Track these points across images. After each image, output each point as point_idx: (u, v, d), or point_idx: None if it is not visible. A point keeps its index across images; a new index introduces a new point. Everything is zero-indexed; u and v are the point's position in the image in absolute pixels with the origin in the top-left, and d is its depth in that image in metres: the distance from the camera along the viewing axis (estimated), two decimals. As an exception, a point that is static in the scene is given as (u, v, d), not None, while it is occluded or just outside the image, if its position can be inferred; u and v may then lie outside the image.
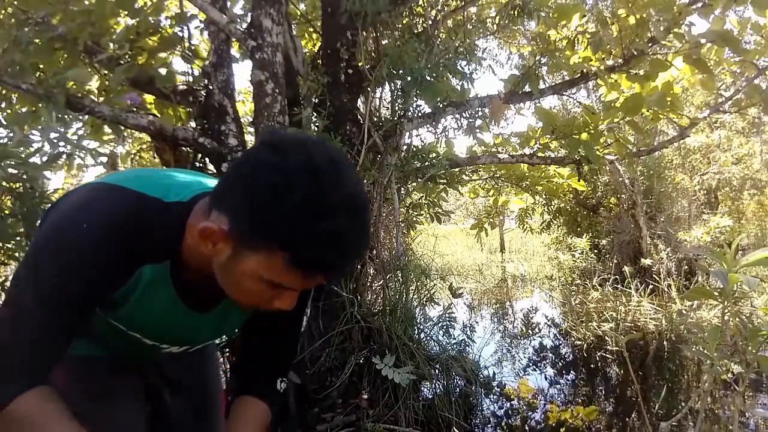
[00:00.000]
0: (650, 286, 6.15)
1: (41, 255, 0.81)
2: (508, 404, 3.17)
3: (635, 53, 3.66)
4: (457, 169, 4.29)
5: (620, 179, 6.58)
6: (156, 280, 0.87)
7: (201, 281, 0.87)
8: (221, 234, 0.75)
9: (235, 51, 3.47)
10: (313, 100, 3.06)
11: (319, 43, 3.80)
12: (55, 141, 2.33)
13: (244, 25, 3.02)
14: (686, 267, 6.45)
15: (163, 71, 3.03)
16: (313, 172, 0.69)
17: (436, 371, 3.06)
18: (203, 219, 0.79)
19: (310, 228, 0.69)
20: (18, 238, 2.39)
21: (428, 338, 3.38)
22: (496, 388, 3.38)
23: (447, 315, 3.41)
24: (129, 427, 1.06)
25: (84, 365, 1.02)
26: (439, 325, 3.43)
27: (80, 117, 2.68)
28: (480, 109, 3.66)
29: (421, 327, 3.42)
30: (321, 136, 0.77)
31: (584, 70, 3.89)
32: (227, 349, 2.53)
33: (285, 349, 1.12)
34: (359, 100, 3.35)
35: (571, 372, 3.92)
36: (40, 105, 2.40)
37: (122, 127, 2.89)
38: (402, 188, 3.58)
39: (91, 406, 0.93)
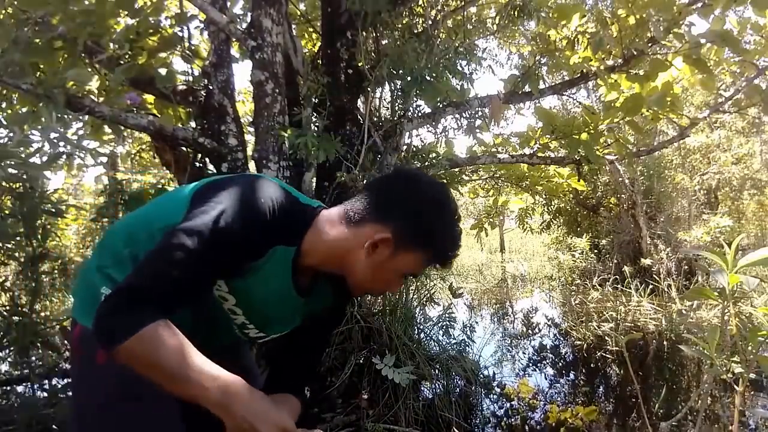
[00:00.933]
0: (650, 286, 6.15)
1: (223, 204, 0.97)
2: (508, 404, 3.17)
3: (635, 53, 3.66)
4: (457, 169, 4.29)
5: (620, 179, 6.58)
6: (283, 259, 1.05)
7: (308, 270, 1.09)
8: (388, 241, 1.02)
9: (235, 51, 3.47)
10: (313, 100, 3.06)
11: (319, 43, 3.80)
12: (55, 141, 2.33)
13: (244, 25, 3.02)
14: (686, 267, 6.46)
15: (163, 71, 3.03)
16: (447, 195, 1.07)
17: (436, 371, 3.06)
18: (331, 225, 1.07)
19: (453, 234, 1.06)
20: (18, 239, 2.39)
21: (428, 338, 3.38)
22: (496, 388, 3.38)
23: (447, 315, 3.41)
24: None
25: None
26: (439, 325, 3.43)
27: (80, 117, 2.68)
28: (480, 109, 3.66)
29: (421, 327, 3.42)
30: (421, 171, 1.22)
31: (584, 70, 3.89)
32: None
33: (315, 357, 1.33)
34: (359, 100, 3.35)
35: (571, 372, 3.93)
36: (40, 105, 2.39)
37: (122, 127, 2.89)
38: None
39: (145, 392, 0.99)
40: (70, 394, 1.15)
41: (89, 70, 2.84)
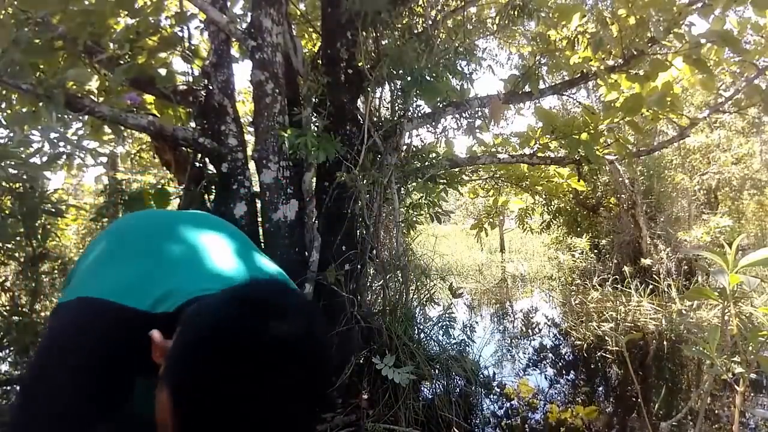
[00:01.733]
0: (650, 286, 6.15)
1: (39, 386, 0.79)
2: (508, 404, 3.17)
3: (635, 53, 3.66)
4: (456, 169, 4.29)
5: (620, 179, 6.58)
6: (148, 389, 0.75)
7: None
8: (162, 350, 0.70)
9: (235, 51, 3.47)
10: (313, 100, 3.06)
11: (319, 43, 3.80)
12: (55, 141, 2.33)
13: (244, 25, 3.02)
14: (686, 267, 6.46)
15: (162, 71, 3.03)
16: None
17: (436, 371, 3.06)
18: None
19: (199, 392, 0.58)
20: (18, 238, 2.39)
21: (428, 338, 3.38)
22: (496, 388, 3.38)
23: (447, 315, 3.41)
24: None
25: None
26: (439, 325, 3.43)
27: (80, 117, 2.68)
28: (480, 109, 3.66)
29: (421, 327, 3.42)
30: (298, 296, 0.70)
31: (584, 70, 3.89)
32: None
33: None
34: (359, 100, 3.35)
35: (571, 372, 3.92)
36: (40, 105, 2.39)
37: (122, 127, 2.90)
38: (402, 188, 3.58)
39: None
40: None
41: (89, 70, 2.84)
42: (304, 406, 0.59)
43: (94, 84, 3.06)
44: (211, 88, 2.96)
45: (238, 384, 0.55)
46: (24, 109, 2.77)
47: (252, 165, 3.03)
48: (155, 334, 0.71)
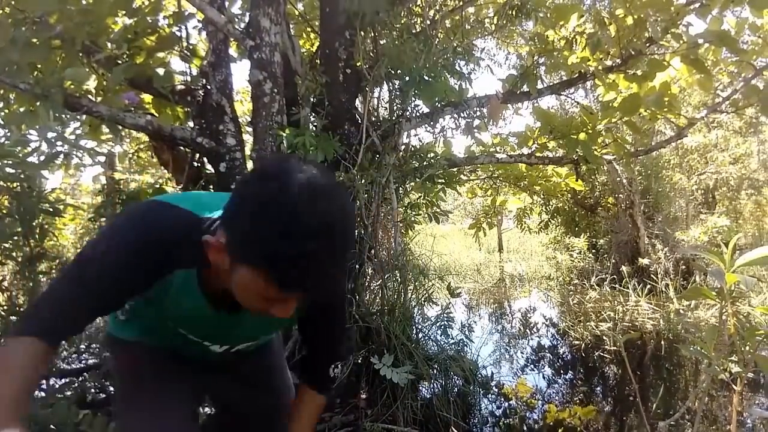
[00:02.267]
0: (648, 286, 6.16)
1: (94, 249, 0.99)
2: (506, 404, 3.17)
3: (633, 53, 3.66)
4: (455, 169, 4.29)
5: (618, 179, 6.59)
6: (186, 284, 1.01)
7: (225, 287, 0.94)
8: (220, 247, 0.85)
9: (233, 51, 3.47)
10: (312, 99, 3.06)
11: (317, 43, 3.80)
12: (53, 140, 2.32)
13: (242, 25, 3.02)
14: (684, 267, 6.47)
15: (161, 71, 3.02)
16: (284, 202, 0.76)
17: (435, 371, 3.06)
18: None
19: (280, 250, 0.76)
20: (15, 238, 2.38)
21: (426, 338, 3.38)
22: (494, 387, 3.38)
23: (445, 315, 3.41)
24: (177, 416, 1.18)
25: (149, 351, 1.21)
26: (438, 324, 3.43)
27: (78, 116, 2.67)
28: (478, 108, 3.66)
29: (420, 327, 3.42)
30: (312, 160, 0.89)
31: (582, 70, 3.90)
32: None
33: (334, 341, 1.33)
34: (357, 99, 3.35)
35: (569, 372, 3.93)
36: (37, 104, 2.39)
37: (120, 127, 2.89)
38: (400, 188, 3.58)
39: (152, 386, 1.16)
40: None
41: (87, 69, 2.83)
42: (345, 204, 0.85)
43: (92, 83, 3.06)
44: (209, 87, 2.96)
45: (296, 196, 0.77)
46: (22, 109, 2.76)
47: (250, 164, 3.02)
48: (208, 237, 0.88)
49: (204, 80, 3.00)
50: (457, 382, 3.10)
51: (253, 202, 0.79)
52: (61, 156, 2.40)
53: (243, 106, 5.17)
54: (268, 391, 1.47)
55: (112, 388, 3.09)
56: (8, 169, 2.18)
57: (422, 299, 3.44)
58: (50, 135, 2.32)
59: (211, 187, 3.16)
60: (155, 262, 0.96)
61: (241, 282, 0.85)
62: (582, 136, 3.99)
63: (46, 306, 0.95)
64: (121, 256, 0.94)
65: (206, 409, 2.04)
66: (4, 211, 2.35)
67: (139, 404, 1.16)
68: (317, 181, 0.80)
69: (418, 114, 3.50)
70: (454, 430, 2.64)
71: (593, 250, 7.71)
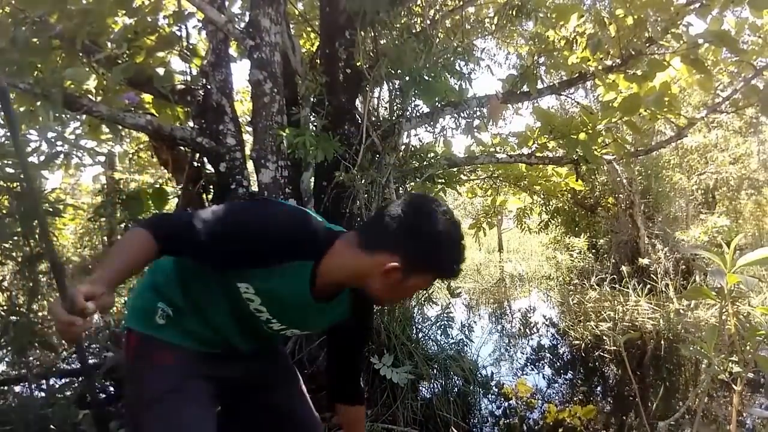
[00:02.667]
0: (648, 286, 6.16)
1: (245, 211, 1.27)
2: (506, 404, 3.17)
3: (633, 53, 3.66)
4: (455, 169, 4.29)
5: (618, 179, 6.59)
6: (300, 271, 1.22)
7: (326, 282, 1.23)
8: (399, 269, 1.16)
9: (233, 50, 3.47)
10: (312, 99, 3.06)
11: (317, 43, 3.80)
12: (53, 140, 2.32)
13: (243, 25, 3.01)
14: (684, 267, 6.47)
15: (161, 71, 3.02)
16: (452, 223, 1.19)
17: (435, 371, 3.06)
18: (349, 250, 1.20)
19: (453, 260, 1.20)
20: (15, 238, 2.38)
21: (426, 338, 3.38)
22: (494, 387, 3.39)
23: (445, 315, 3.41)
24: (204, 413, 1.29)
25: (187, 354, 1.31)
26: (438, 324, 3.43)
27: (78, 116, 2.67)
28: (478, 108, 3.66)
29: (420, 327, 3.43)
30: (433, 198, 1.33)
31: (582, 71, 3.90)
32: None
33: (361, 354, 1.58)
34: (357, 99, 3.35)
35: (569, 371, 3.93)
36: (37, 104, 2.39)
37: (120, 127, 2.89)
38: (400, 188, 3.58)
39: (182, 384, 1.26)
40: (125, 393, 1.39)
41: (87, 69, 2.83)
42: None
43: (92, 83, 3.06)
44: (209, 87, 2.95)
45: (436, 229, 1.16)
46: (22, 109, 2.76)
47: (250, 164, 3.02)
48: (389, 264, 1.16)
49: (204, 80, 3.00)
50: (457, 382, 3.10)
51: (433, 234, 1.17)
52: (61, 156, 2.40)
53: (243, 106, 5.17)
54: (300, 426, 1.54)
55: (112, 389, 3.09)
56: (8, 169, 2.18)
57: (422, 299, 3.44)
58: (50, 135, 2.31)
59: (211, 187, 3.16)
60: (285, 248, 1.19)
61: (412, 286, 1.22)
62: (582, 136, 3.99)
63: (174, 224, 1.22)
64: (272, 230, 1.17)
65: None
66: (4, 211, 2.34)
67: (175, 411, 1.23)
68: (450, 214, 1.21)
69: (418, 114, 3.50)
70: (454, 430, 2.64)
71: (593, 250, 7.71)
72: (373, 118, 3.40)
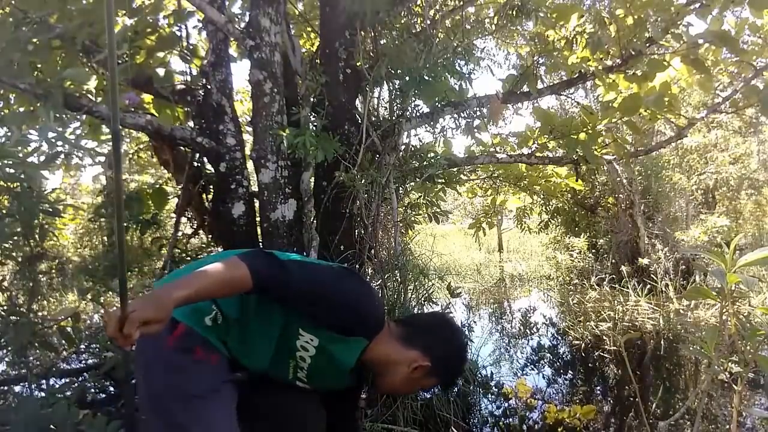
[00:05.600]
0: (648, 286, 6.16)
1: (338, 279, 1.39)
2: (506, 404, 3.17)
3: (633, 53, 3.66)
4: (455, 169, 4.28)
5: (618, 179, 6.59)
6: (357, 346, 1.39)
7: (364, 360, 1.41)
8: (425, 368, 1.42)
9: (233, 50, 3.47)
10: (312, 99, 3.06)
11: (317, 43, 3.80)
12: (53, 140, 2.32)
13: (243, 25, 3.01)
14: (684, 267, 6.47)
15: (161, 71, 3.02)
16: (465, 348, 1.56)
17: (435, 371, 3.05)
18: (390, 339, 1.43)
19: (460, 373, 1.63)
20: (15, 238, 2.38)
21: (426, 338, 3.37)
22: (494, 387, 3.39)
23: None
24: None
25: (224, 358, 1.39)
26: (438, 324, 3.42)
27: (78, 116, 2.67)
28: (478, 108, 3.66)
29: (420, 327, 3.41)
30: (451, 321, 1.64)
31: (582, 71, 3.90)
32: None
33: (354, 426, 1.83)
34: (357, 99, 3.34)
35: (569, 371, 3.93)
36: (38, 105, 2.39)
37: (120, 127, 2.88)
38: (400, 188, 3.57)
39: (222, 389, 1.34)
40: (152, 377, 1.34)
41: (87, 69, 2.83)
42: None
43: (92, 83, 3.06)
44: (209, 87, 2.95)
45: (462, 349, 1.54)
46: (22, 109, 2.76)
47: (250, 164, 3.02)
48: (421, 361, 1.44)
49: (204, 80, 3.00)
50: (457, 382, 3.10)
51: (456, 349, 1.52)
52: (62, 156, 2.40)
53: (243, 106, 5.17)
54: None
55: (112, 388, 3.09)
56: (9, 169, 2.18)
57: (422, 299, 3.44)
58: (50, 135, 2.31)
59: (211, 187, 3.16)
60: (369, 324, 1.38)
61: (426, 384, 1.49)
62: (582, 136, 3.99)
63: (275, 272, 1.25)
64: (359, 306, 1.35)
65: None
66: (5, 211, 2.34)
67: (216, 411, 1.30)
68: (463, 336, 1.58)
69: (418, 114, 3.49)
70: (454, 430, 2.64)
71: (593, 250, 7.71)
72: (373, 118, 3.39)
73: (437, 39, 3.40)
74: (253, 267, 1.19)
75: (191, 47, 3.26)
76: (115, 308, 0.99)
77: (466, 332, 3.77)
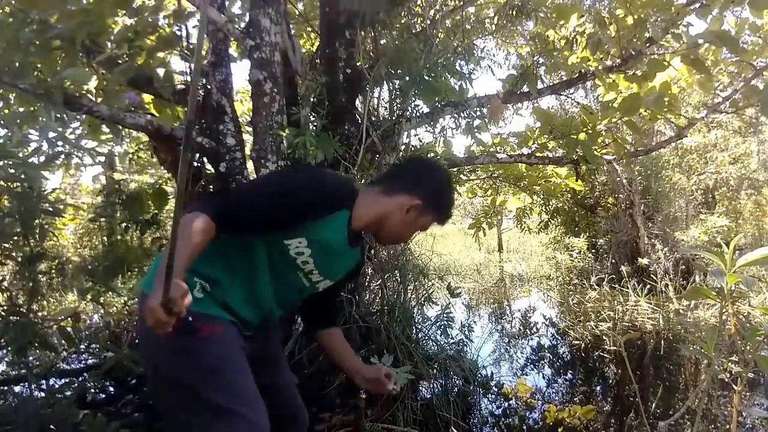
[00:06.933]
0: (647, 286, 6.16)
1: (291, 176, 1.53)
2: (506, 404, 3.18)
3: (633, 53, 3.66)
4: (455, 169, 4.29)
5: (618, 179, 6.60)
6: (341, 219, 1.41)
7: (355, 228, 1.45)
8: (417, 207, 1.45)
9: (233, 50, 3.46)
10: (312, 99, 3.06)
11: (317, 43, 3.80)
12: (54, 140, 2.32)
13: (243, 25, 3.01)
14: (683, 267, 6.47)
15: (161, 71, 3.02)
16: (450, 175, 1.58)
17: (434, 371, 3.07)
18: (373, 197, 1.47)
19: (452, 203, 1.56)
20: (15, 238, 2.38)
21: (426, 338, 3.38)
22: (494, 387, 3.39)
23: (445, 315, 3.41)
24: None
25: (228, 325, 1.38)
26: (437, 324, 3.43)
27: (78, 117, 2.67)
28: (478, 108, 3.66)
29: (420, 327, 3.42)
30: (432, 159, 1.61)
31: (582, 70, 3.90)
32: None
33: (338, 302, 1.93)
34: (357, 99, 3.34)
35: (569, 371, 3.93)
36: (38, 105, 2.39)
37: (120, 127, 2.89)
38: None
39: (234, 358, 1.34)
40: (164, 367, 1.33)
41: (87, 69, 2.82)
42: None
43: (92, 84, 3.05)
44: (209, 87, 2.95)
45: (446, 178, 1.56)
46: (22, 109, 2.76)
47: (250, 164, 3.02)
48: (410, 201, 1.46)
49: (204, 80, 3.00)
50: (457, 382, 3.10)
51: (442, 181, 1.53)
52: (62, 156, 2.40)
53: (243, 106, 5.17)
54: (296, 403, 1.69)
55: (112, 389, 3.09)
56: (9, 169, 2.18)
57: (422, 299, 3.44)
58: (51, 135, 2.31)
59: (211, 187, 3.16)
60: (340, 198, 1.40)
61: (422, 223, 1.51)
62: (582, 136, 3.98)
63: (228, 201, 1.30)
64: (318, 184, 1.36)
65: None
66: (5, 211, 2.34)
67: (236, 380, 1.31)
68: (442, 167, 1.63)
69: (418, 114, 3.50)
70: (454, 430, 2.64)
71: (593, 250, 7.71)
72: (373, 118, 3.40)
73: (437, 39, 3.41)
74: (207, 209, 1.24)
75: (191, 47, 3.26)
76: (153, 299, 1.00)
77: (466, 332, 3.78)
